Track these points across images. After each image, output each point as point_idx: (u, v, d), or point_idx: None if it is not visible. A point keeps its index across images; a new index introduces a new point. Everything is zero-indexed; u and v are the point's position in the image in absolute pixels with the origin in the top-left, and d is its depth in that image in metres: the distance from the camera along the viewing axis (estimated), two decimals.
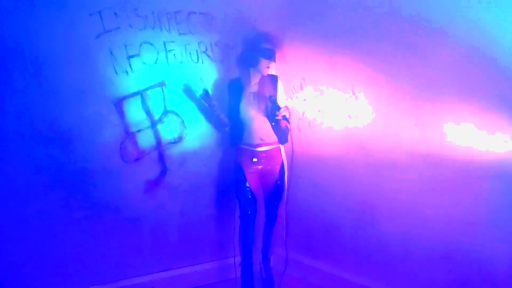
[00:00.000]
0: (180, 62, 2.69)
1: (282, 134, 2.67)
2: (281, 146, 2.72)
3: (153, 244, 2.82)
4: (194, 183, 2.88)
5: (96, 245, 2.60)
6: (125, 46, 2.48)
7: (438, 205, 2.24)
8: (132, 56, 2.51)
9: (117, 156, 2.57)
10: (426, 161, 2.26)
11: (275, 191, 2.73)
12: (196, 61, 2.75)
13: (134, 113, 2.59)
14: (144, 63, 2.57)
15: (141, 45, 2.53)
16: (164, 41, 2.60)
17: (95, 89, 2.43)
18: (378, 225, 2.56)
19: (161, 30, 2.58)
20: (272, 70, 2.64)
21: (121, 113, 2.54)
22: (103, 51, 2.42)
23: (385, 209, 2.51)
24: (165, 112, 2.70)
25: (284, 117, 2.50)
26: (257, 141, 2.65)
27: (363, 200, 2.62)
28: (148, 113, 2.64)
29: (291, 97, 2.97)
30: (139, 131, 2.63)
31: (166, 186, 2.78)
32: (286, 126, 2.58)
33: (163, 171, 2.76)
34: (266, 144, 2.67)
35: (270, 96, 2.57)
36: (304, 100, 2.91)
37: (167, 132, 2.73)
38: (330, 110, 2.75)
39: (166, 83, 2.66)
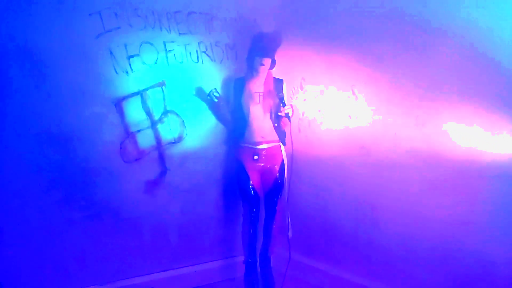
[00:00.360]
0: (180, 62, 2.69)
1: (284, 135, 2.74)
2: (282, 145, 2.75)
3: (153, 244, 2.82)
4: (194, 183, 2.88)
5: (96, 245, 2.60)
6: (125, 46, 2.48)
7: (438, 205, 2.24)
8: (132, 56, 2.52)
9: (117, 156, 2.57)
10: (426, 161, 2.26)
11: (274, 188, 2.75)
12: (196, 61, 2.75)
13: (134, 113, 2.59)
14: (144, 63, 2.57)
15: (141, 45, 2.53)
16: (164, 41, 2.61)
17: (95, 89, 2.43)
18: (378, 225, 2.56)
19: (161, 30, 2.59)
20: (268, 66, 2.64)
21: (121, 113, 2.54)
22: (103, 51, 2.42)
23: (385, 209, 2.51)
24: (165, 112, 2.70)
25: (286, 114, 2.53)
26: (259, 139, 2.68)
27: (363, 200, 2.62)
28: (148, 113, 2.64)
29: (291, 97, 2.97)
30: (139, 131, 2.63)
31: (166, 186, 2.78)
32: (286, 126, 2.59)
33: (163, 171, 2.76)
34: (267, 142, 2.70)
35: (279, 95, 2.61)
36: (304, 100, 2.91)
37: (167, 132, 2.73)
38: (330, 110, 2.76)
39: (166, 83, 2.67)
